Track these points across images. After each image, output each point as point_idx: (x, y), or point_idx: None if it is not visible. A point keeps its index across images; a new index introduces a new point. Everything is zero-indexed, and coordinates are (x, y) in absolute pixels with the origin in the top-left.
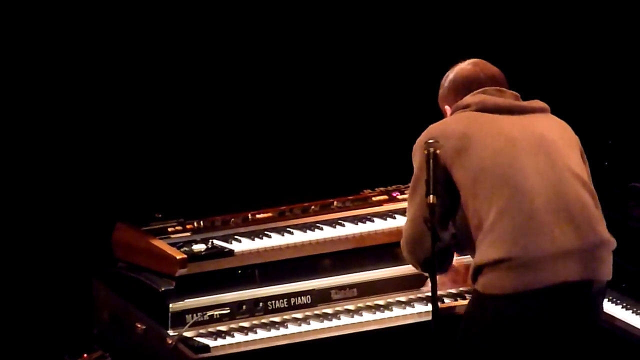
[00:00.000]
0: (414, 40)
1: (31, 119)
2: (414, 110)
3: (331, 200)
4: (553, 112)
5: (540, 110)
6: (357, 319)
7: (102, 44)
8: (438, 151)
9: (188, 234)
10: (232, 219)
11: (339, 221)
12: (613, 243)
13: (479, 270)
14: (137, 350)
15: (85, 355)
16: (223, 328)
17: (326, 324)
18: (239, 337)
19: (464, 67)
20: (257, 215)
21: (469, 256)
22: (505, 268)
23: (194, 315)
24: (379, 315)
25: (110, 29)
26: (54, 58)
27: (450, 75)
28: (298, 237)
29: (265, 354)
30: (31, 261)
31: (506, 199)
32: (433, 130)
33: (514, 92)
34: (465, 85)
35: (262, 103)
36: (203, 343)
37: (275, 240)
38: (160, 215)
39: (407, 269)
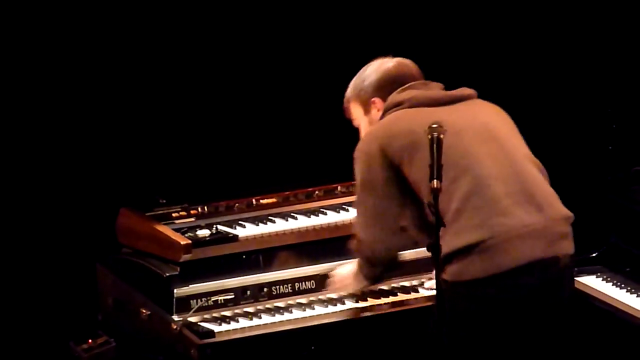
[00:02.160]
0: (412, 28)
1: (34, 105)
2: None
3: (335, 185)
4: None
5: (470, 97)
6: (361, 304)
7: (103, 31)
8: (442, 136)
9: (192, 219)
10: (237, 205)
11: (343, 206)
12: (572, 217)
13: (447, 260)
14: (142, 335)
15: (89, 340)
16: (227, 313)
17: (330, 308)
18: (243, 322)
19: (382, 65)
20: (261, 201)
21: None
22: (476, 253)
23: (199, 300)
24: (383, 300)
25: (112, 15)
26: (56, 44)
27: (369, 74)
28: (302, 222)
29: (270, 339)
30: (36, 247)
31: (467, 188)
32: (376, 132)
33: (438, 83)
34: (389, 83)
35: (267, 88)
36: (208, 328)
37: (280, 225)
38: (164, 201)
39: (411, 254)
